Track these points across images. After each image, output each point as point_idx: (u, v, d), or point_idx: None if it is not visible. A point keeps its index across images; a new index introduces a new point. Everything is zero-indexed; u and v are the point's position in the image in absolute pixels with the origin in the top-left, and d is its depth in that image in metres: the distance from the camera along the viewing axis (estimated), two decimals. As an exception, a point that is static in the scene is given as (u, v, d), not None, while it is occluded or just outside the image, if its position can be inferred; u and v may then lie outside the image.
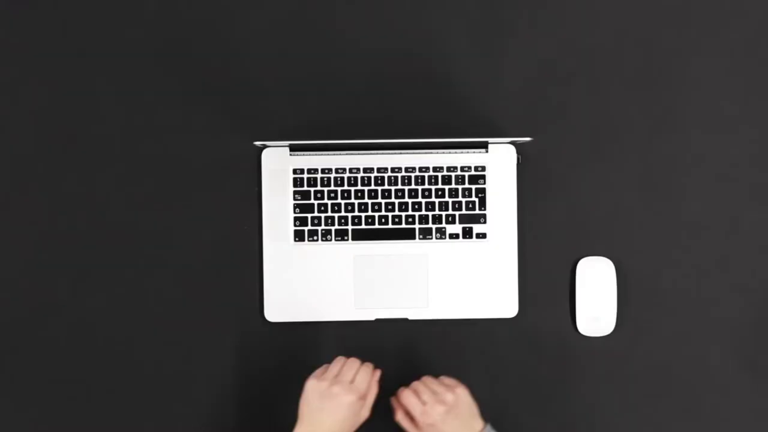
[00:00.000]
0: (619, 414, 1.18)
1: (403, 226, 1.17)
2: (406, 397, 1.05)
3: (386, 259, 1.17)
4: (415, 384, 1.07)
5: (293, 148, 1.16)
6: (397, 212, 1.17)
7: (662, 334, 1.18)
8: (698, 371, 1.18)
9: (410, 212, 1.17)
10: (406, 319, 1.17)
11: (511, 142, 1.17)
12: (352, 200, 1.17)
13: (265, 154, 1.17)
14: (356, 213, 1.17)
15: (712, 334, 1.18)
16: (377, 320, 1.17)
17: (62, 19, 1.19)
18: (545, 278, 1.18)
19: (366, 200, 1.17)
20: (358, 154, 1.16)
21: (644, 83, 1.19)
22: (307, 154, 1.16)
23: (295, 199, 1.17)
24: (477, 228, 1.16)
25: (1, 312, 1.17)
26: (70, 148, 1.18)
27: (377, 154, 1.16)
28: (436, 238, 1.17)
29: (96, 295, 1.17)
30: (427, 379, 1.07)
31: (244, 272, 1.18)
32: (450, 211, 1.17)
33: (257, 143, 1.12)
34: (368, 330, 1.17)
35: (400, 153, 1.16)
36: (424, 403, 1.04)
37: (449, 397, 1.04)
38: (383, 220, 1.17)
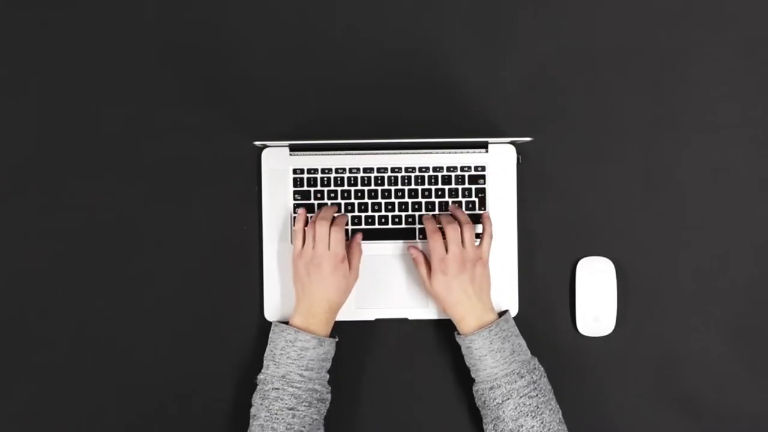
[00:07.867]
0: (619, 414, 1.18)
1: (403, 226, 1.17)
2: (434, 240, 1.10)
3: (386, 259, 1.17)
4: (449, 228, 1.10)
5: (293, 148, 1.16)
6: (397, 212, 1.17)
7: (662, 334, 1.18)
8: (698, 371, 1.18)
9: (410, 212, 1.17)
10: (406, 319, 1.17)
11: (511, 142, 1.16)
12: (352, 200, 1.17)
13: (265, 154, 1.17)
14: (356, 213, 1.17)
15: (711, 334, 1.18)
16: (377, 320, 1.17)
17: (62, 19, 1.18)
18: (545, 278, 1.18)
19: (366, 200, 1.17)
20: (358, 154, 1.16)
21: (644, 83, 1.19)
22: (307, 154, 1.16)
23: (295, 199, 1.17)
24: (477, 228, 1.16)
25: (1, 312, 1.17)
26: (70, 148, 1.18)
27: (377, 154, 1.16)
28: (436, 238, 1.16)
29: (95, 295, 1.17)
30: (466, 228, 1.11)
31: (244, 272, 1.18)
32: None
33: (257, 143, 1.12)
34: (368, 330, 1.17)
35: (400, 153, 1.16)
36: (446, 251, 1.10)
37: (476, 264, 1.10)
38: (383, 220, 1.17)
